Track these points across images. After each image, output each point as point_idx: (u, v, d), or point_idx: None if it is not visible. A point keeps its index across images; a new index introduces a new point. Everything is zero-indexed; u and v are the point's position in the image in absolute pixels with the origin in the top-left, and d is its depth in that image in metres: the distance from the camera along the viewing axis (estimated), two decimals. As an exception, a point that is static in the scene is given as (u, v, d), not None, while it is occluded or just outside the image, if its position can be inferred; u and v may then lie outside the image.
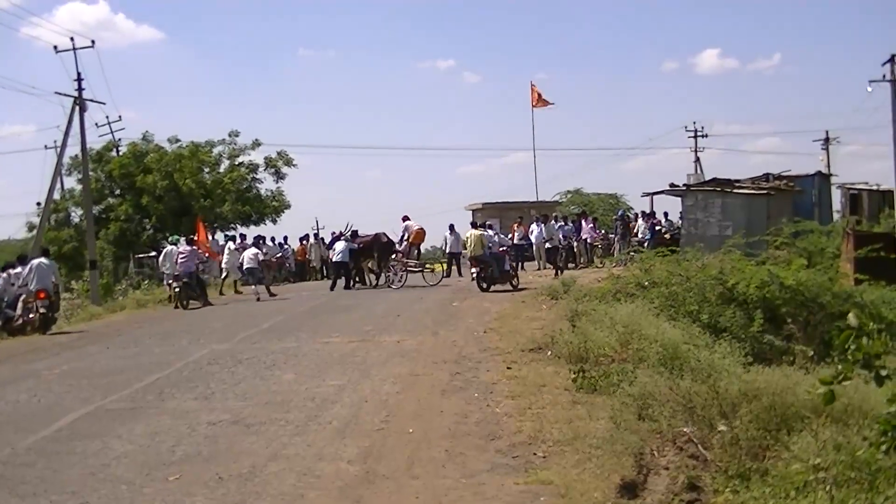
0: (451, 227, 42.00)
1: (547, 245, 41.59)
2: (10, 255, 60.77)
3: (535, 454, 10.57)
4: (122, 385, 16.50)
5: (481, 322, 22.28)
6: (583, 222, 44.79)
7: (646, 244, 40.18)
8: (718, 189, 37.28)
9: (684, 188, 39.02)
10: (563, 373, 14.85)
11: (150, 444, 11.85)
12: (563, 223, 42.55)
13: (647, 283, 23.00)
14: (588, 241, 44.07)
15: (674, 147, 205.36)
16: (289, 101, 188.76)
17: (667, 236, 40.10)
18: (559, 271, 39.44)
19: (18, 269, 30.88)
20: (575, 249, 43.38)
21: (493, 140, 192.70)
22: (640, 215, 45.98)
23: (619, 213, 49.87)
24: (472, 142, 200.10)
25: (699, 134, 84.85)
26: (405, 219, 40.91)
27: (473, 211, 56.85)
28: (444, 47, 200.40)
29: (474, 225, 37.02)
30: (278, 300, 33.48)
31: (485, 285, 31.88)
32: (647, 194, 45.66)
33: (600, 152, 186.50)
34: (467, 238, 34.46)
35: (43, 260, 29.47)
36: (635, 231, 44.13)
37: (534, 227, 42.48)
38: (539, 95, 62.50)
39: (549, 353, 16.96)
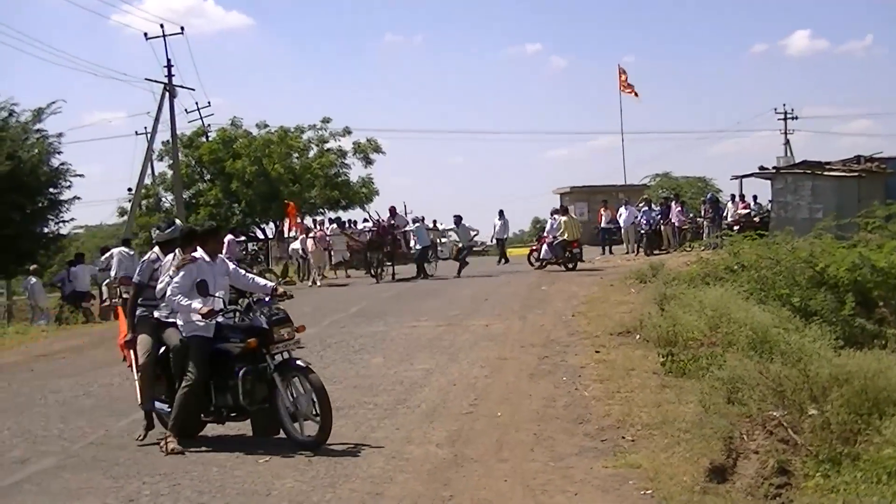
0: (501, 213, 41.91)
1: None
2: (102, 240, 61.78)
3: (623, 438, 10.53)
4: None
5: (569, 306, 22.17)
6: (671, 206, 44.40)
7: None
8: (808, 172, 36.70)
9: (774, 171, 38.46)
10: (651, 356, 14.76)
11: (240, 427, 11.96)
12: (647, 207, 42.14)
13: (736, 267, 22.78)
14: (677, 224, 43.68)
15: (763, 130, 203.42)
16: (376, 86, 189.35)
17: (756, 219, 39.64)
18: (644, 252, 39.85)
19: (103, 258, 31.53)
20: (663, 233, 43.07)
21: (581, 124, 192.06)
22: (731, 198, 45.43)
23: (709, 196, 49.36)
24: (559, 126, 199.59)
25: (789, 116, 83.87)
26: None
27: (561, 195, 56.70)
28: (531, 31, 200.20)
29: (564, 211, 36.75)
30: (365, 285, 33.61)
31: (571, 265, 32.65)
32: (737, 177, 45.13)
33: (689, 136, 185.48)
34: (561, 223, 34.33)
35: (124, 248, 29.93)
36: (725, 214, 43.64)
37: (622, 210, 42.21)
38: (626, 80, 62.11)
39: (638, 336, 16.87)
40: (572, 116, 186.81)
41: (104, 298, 30.40)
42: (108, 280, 29.83)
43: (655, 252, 39.60)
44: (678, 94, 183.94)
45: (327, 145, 62.13)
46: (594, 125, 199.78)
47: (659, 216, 42.57)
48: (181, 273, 11.05)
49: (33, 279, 33.41)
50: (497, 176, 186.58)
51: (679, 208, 43.67)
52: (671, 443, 10.14)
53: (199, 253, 11.36)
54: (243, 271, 11.90)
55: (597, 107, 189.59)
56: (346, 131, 62.12)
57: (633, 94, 62.95)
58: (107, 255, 29.73)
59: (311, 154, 61.89)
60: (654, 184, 76.02)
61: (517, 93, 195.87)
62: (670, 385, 12.92)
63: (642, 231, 41.24)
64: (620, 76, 62.11)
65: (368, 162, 62.30)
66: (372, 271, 36.39)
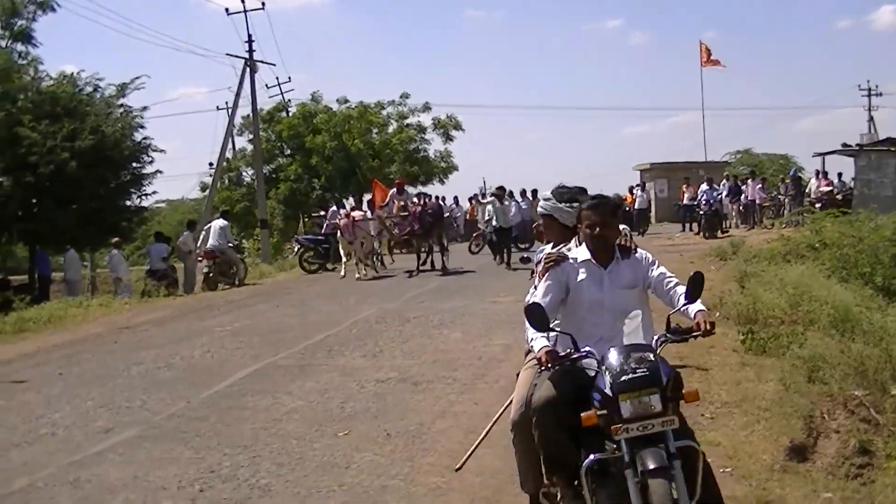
0: (523, 193, 41.28)
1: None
2: (185, 214, 62.42)
3: (702, 415, 10.48)
4: (292, 342, 16.81)
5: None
6: (749, 182, 43.99)
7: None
8: (892, 149, 36.20)
9: (857, 148, 37.97)
10: (731, 334, 14.65)
11: (319, 401, 12.06)
12: (707, 186, 41.49)
13: (818, 245, 22.56)
14: (757, 202, 43.27)
15: (847, 106, 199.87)
16: (456, 61, 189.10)
17: (839, 197, 39.15)
18: (703, 234, 39.37)
19: (186, 233, 32.01)
20: (733, 210, 42.77)
21: (661, 100, 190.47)
22: (816, 174, 44.85)
23: (792, 172, 48.82)
24: (638, 102, 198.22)
25: (873, 93, 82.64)
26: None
27: (641, 171, 56.41)
28: (612, 7, 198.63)
29: (631, 190, 36.31)
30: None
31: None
32: (819, 155, 44.57)
33: (770, 112, 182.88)
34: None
35: (219, 221, 30.35)
36: (808, 191, 43.11)
37: (703, 187, 41.83)
38: (709, 54, 61.49)
39: (717, 314, 16.74)
40: (652, 92, 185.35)
41: (207, 270, 30.81)
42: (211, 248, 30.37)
43: (717, 235, 38.79)
44: (760, 70, 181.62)
45: (407, 121, 62.29)
46: (674, 101, 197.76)
47: (722, 195, 42.11)
48: (546, 282, 7.07)
49: (116, 252, 33.86)
50: (575, 152, 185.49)
51: (760, 185, 43.25)
52: (751, 421, 10.08)
53: (575, 247, 7.37)
54: (669, 278, 7.05)
55: (677, 83, 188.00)
56: (426, 107, 62.24)
57: (718, 65, 62.26)
58: (206, 226, 30.33)
59: (391, 129, 62.05)
60: (735, 160, 75.39)
61: (596, 69, 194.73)
62: (750, 363, 12.83)
63: (700, 212, 40.72)
64: (703, 51, 61.50)
65: (448, 138, 62.38)
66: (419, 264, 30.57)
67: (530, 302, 6.71)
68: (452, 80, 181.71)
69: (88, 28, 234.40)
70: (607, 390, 6.11)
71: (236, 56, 51.44)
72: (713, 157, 64.90)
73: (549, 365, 6.42)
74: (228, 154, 58.61)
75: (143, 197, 42.63)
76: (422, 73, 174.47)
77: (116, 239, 35.53)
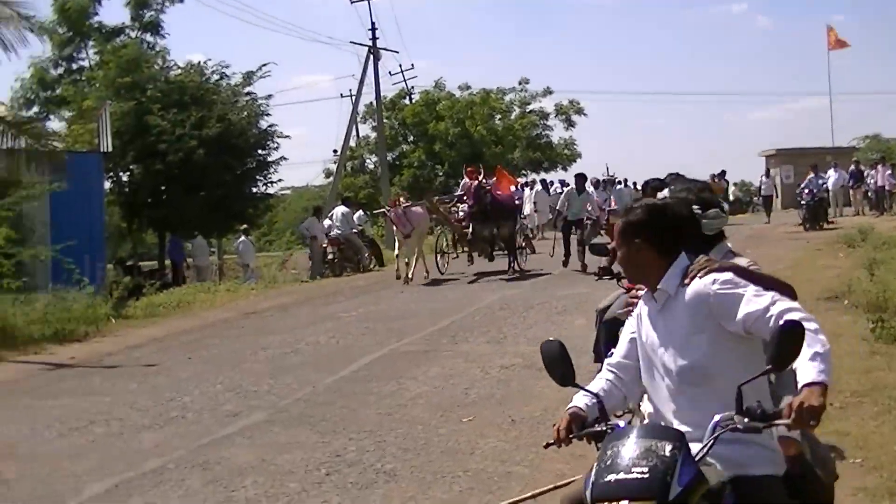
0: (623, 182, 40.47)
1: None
2: (309, 200, 62.94)
3: (831, 405, 10.30)
4: (416, 328, 16.91)
5: (775, 270, 21.77)
6: (878, 168, 43.07)
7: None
8: None
9: None
10: (860, 322, 14.37)
11: (444, 387, 12.11)
12: (812, 175, 40.20)
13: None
14: (886, 188, 42.35)
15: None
16: (576, 46, 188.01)
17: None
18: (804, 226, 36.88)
19: (311, 219, 32.38)
20: (856, 196, 41.89)
21: (786, 85, 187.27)
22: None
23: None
24: (762, 87, 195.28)
25: None
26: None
27: (767, 157, 55.60)
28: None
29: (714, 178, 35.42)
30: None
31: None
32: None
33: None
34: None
35: (340, 208, 30.68)
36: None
37: (831, 172, 41.03)
38: (835, 37, 60.35)
39: (846, 301, 16.47)
40: (777, 77, 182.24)
41: (332, 257, 31.13)
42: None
43: (821, 226, 37.24)
44: (889, 53, 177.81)
45: (529, 107, 62.25)
46: (800, 86, 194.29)
47: (827, 184, 41.02)
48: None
49: (244, 239, 34.40)
50: (699, 139, 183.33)
51: (889, 171, 42.34)
52: (881, 411, 9.89)
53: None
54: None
55: (803, 67, 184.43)
56: (547, 91, 62.15)
57: (845, 46, 61.02)
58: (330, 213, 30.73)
59: (513, 116, 62.05)
60: (864, 146, 73.95)
61: (721, 54, 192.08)
62: (880, 352, 12.58)
63: (803, 202, 38.32)
64: (829, 35, 60.37)
65: (570, 124, 62.21)
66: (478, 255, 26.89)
67: (549, 340, 4.78)
68: (573, 66, 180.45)
69: (214, 18, 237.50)
70: (587, 493, 4.06)
71: (360, 44, 52.04)
72: (840, 143, 63.74)
73: (558, 441, 4.71)
74: (352, 141, 59.02)
75: (269, 184, 43.32)
76: (543, 59, 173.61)
77: (245, 226, 36.09)
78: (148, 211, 39.63)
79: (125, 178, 41.04)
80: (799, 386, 4.07)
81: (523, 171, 59.90)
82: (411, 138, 62.84)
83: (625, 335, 4.91)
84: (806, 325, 4.04)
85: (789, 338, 3.95)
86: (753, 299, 4.29)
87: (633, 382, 4.85)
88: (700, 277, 4.47)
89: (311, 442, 9.95)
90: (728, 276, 4.46)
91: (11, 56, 25.54)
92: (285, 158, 43.37)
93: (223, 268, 41.83)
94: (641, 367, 4.75)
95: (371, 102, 58.31)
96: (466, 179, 27.25)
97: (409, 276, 25.14)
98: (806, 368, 4.08)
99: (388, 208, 27.61)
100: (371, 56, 51.78)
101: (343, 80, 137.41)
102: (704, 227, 5.63)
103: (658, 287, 4.60)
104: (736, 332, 4.34)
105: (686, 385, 4.47)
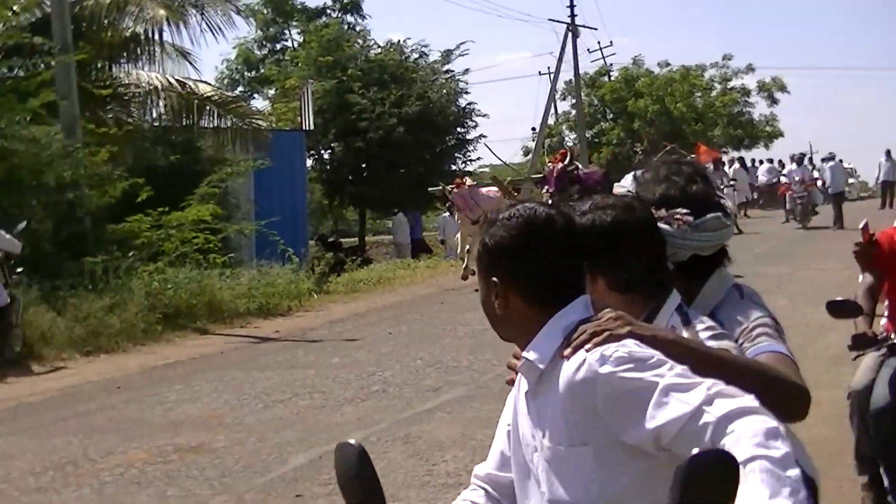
0: (888, 153, 38.87)
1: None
2: (507, 178, 63.02)
3: None
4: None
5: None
6: None
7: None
8: None
9: None
10: None
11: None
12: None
13: None
14: None
15: None
16: (779, 22, 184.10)
17: None
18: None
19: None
20: None
21: None
22: None
23: None
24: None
25: None
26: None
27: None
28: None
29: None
30: (774, 226, 32.95)
31: None
32: None
33: None
34: None
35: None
36: None
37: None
38: None
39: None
40: None
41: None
42: None
43: None
44: None
45: (730, 84, 61.28)
46: None
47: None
48: None
49: (446, 215, 34.67)
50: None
51: None
52: None
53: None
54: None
55: None
56: (749, 68, 61.06)
57: None
58: None
59: (714, 93, 61.19)
60: None
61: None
62: None
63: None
64: None
65: (773, 101, 61.02)
66: None
67: (347, 443, 2.62)
68: (777, 41, 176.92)
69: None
70: None
71: (558, 21, 51.95)
72: None
73: None
74: (550, 119, 58.93)
75: (468, 161, 43.54)
76: (744, 34, 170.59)
77: (449, 203, 36.43)
78: (349, 188, 40.30)
79: (326, 156, 41.84)
80: None
81: (724, 149, 59.05)
82: (610, 116, 62.45)
83: (500, 428, 3.08)
84: (758, 452, 2.27)
85: (706, 482, 2.10)
86: (673, 395, 2.46)
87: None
88: (586, 351, 2.63)
89: (510, 418, 9.97)
90: (631, 351, 2.61)
91: (218, 38, 26.27)
92: (484, 136, 43.56)
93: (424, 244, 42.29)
94: (514, 475, 2.93)
95: (570, 80, 58.27)
96: (550, 164, 23.52)
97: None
98: None
99: (451, 188, 23.70)
100: (569, 33, 51.65)
101: (541, 58, 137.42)
102: (687, 245, 3.37)
103: (523, 354, 2.81)
104: (640, 446, 2.55)
105: None
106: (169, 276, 18.37)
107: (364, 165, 39.90)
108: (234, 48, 50.57)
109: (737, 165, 42.74)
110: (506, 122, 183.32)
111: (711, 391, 2.43)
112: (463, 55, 42.88)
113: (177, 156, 23.38)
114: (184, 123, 25.06)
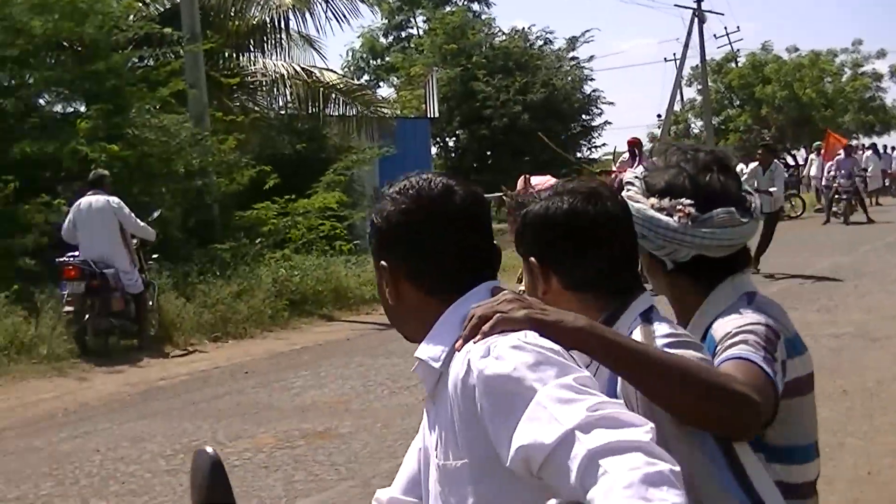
0: None
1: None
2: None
3: None
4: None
5: None
6: None
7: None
8: None
9: None
10: None
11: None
12: None
13: None
14: None
15: None
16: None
17: None
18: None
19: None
20: None
21: None
22: None
23: None
24: None
25: None
26: None
27: None
28: None
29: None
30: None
31: None
32: None
33: None
34: None
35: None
36: None
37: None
38: None
39: None
40: None
41: None
42: None
43: None
44: None
45: (861, 69, 60.28)
46: None
47: None
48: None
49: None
50: None
51: None
52: None
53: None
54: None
55: None
56: (881, 53, 60.03)
57: None
58: None
59: (844, 78, 60.24)
60: None
61: None
62: None
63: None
64: None
65: (908, 85, 60.01)
66: None
67: (203, 450, 2.07)
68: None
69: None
70: None
71: (684, 7, 51.57)
72: None
73: None
74: (676, 106, 58.57)
75: (593, 149, 43.44)
76: (875, 18, 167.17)
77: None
78: (474, 175, 40.34)
79: (451, 143, 42.05)
80: None
81: (854, 135, 58.10)
82: (737, 102, 61.87)
83: (413, 445, 2.67)
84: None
85: None
86: (548, 411, 1.93)
87: None
88: (474, 342, 2.17)
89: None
90: (524, 343, 2.10)
91: (343, 26, 26.34)
92: (609, 123, 43.52)
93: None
94: (424, 499, 2.47)
95: (696, 66, 57.98)
96: (626, 154, 21.83)
97: None
98: None
99: (509, 192, 20.15)
100: (696, 18, 51.29)
101: (667, 44, 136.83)
102: (688, 242, 2.92)
103: (415, 354, 2.39)
104: (514, 469, 2.01)
105: None
106: (296, 262, 18.57)
107: (489, 153, 40.00)
108: (359, 37, 51.06)
109: (869, 152, 41.90)
110: (631, 109, 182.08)
111: (594, 413, 1.88)
112: (588, 42, 42.93)
113: (303, 144, 23.58)
114: (309, 111, 25.27)
